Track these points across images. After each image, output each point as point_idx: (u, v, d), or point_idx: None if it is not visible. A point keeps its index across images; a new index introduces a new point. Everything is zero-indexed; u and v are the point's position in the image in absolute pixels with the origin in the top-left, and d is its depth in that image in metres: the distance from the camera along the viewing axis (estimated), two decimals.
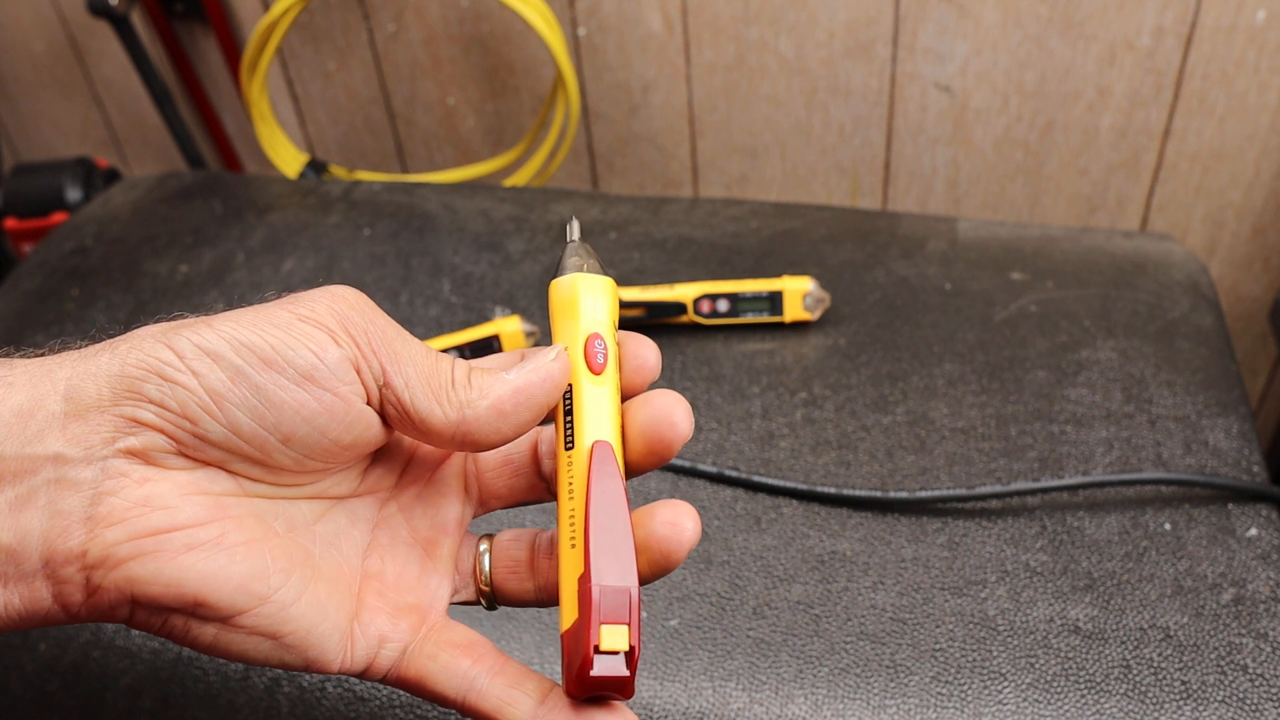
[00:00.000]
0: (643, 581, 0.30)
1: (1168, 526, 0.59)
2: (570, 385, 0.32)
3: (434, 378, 0.30)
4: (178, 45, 1.22)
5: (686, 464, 0.63)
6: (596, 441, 0.30)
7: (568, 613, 0.30)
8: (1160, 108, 0.98)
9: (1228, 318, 1.08)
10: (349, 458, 0.30)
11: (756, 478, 0.62)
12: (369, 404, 0.29)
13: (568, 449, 0.31)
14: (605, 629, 0.28)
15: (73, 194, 1.15)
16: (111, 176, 1.22)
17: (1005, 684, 0.53)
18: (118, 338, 0.28)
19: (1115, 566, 0.57)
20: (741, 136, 1.10)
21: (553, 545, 0.34)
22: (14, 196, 1.16)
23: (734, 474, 0.63)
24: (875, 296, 0.75)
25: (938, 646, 0.54)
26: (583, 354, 0.32)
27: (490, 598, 0.34)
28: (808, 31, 1.01)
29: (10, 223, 1.16)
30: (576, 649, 0.28)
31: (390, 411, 0.30)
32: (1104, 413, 0.65)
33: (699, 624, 0.56)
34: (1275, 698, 0.52)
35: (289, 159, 1.12)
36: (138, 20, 1.21)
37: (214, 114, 1.28)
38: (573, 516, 0.30)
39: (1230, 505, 0.60)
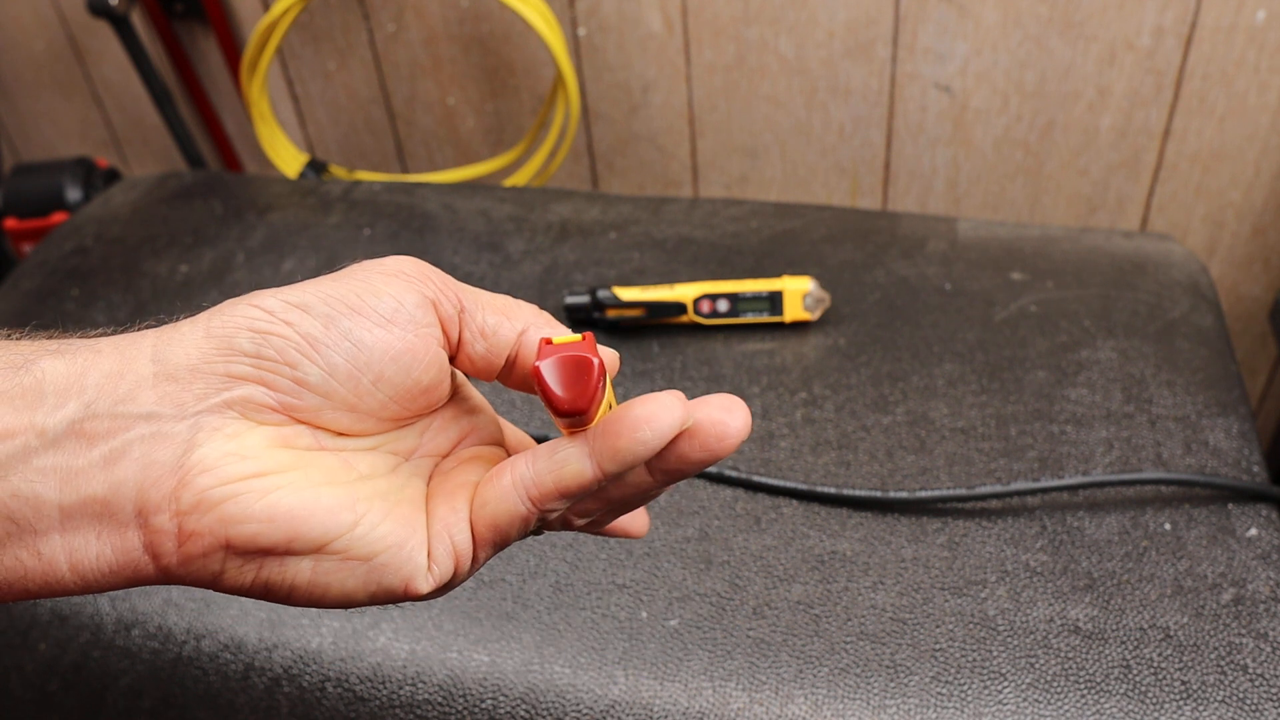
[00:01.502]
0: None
1: (1168, 526, 0.59)
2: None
3: (500, 300, 0.33)
4: (178, 45, 1.22)
5: None
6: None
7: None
8: (1160, 108, 0.98)
9: (1228, 318, 1.08)
10: (425, 403, 0.32)
11: (756, 478, 0.62)
12: (445, 347, 0.32)
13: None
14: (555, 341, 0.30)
15: (73, 194, 1.15)
16: (111, 176, 1.22)
17: (1005, 684, 0.53)
18: (204, 312, 0.30)
19: (1115, 566, 0.57)
20: (741, 136, 1.10)
21: None
22: (14, 196, 1.16)
23: (734, 474, 0.63)
24: (875, 296, 0.75)
25: (938, 646, 0.54)
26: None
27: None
28: (808, 31, 1.01)
29: (10, 223, 1.16)
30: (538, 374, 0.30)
31: (466, 337, 0.32)
32: (1104, 413, 0.65)
33: (699, 624, 0.56)
34: (1275, 698, 0.52)
35: (289, 159, 1.12)
36: (138, 20, 1.21)
37: (214, 114, 1.28)
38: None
39: (1230, 505, 0.60)
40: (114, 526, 0.27)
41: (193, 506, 0.27)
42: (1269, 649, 0.53)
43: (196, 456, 0.27)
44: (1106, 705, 0.52)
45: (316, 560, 0.29)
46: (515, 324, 0.33)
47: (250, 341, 0.28)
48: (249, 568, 0.28)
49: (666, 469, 0.30)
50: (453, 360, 0.33)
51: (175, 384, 0.28)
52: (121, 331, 0.30)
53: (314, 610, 0.59)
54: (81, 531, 0.27)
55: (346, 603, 0.30)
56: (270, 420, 0.29)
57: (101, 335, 0.30)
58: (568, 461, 0.29)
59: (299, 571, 0.29)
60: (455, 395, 0.35)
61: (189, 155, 1.23)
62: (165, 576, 0.28)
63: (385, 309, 0.30)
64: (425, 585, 0.30)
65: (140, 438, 0.27)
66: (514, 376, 0.34)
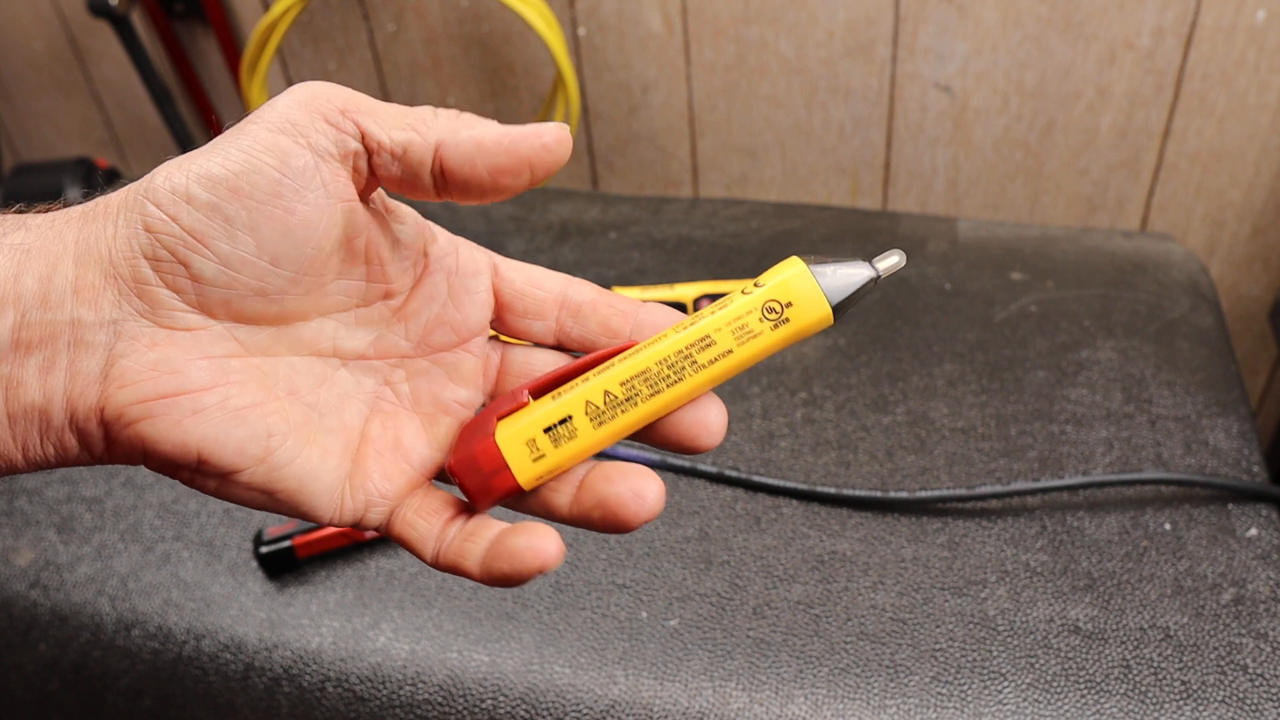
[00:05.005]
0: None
1: (1168, 526, 0.59)
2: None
3: (412, 114, 0.31)
4: (178, 45, 1.22)
5: (687, 464, 0.63)
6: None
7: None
8: (1160, 108, 0.98)
9: (1228, 318, 1.08)
10: (347, 259, 0.31)
11: (756, 478, 0.62)
12: (347, 198, 0.30)
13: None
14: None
15: (73, 194, 1.15)
16: (111, 176, 1.22)
17: (1005, 684, 0.53)
18: (117, 191, 0.30)
19: (1115, 566, 0.57)
20: (741, 136, 1.10)
21: None
22: (14, 196, 1.16)
23: (734, 474, 0.63)
24: (875, 296, 0.75)
25: (938, 646, 0.54)
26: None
27: None
28: (808, 31, 1.01)
29: None
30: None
31: (378, 163, 0.30)
32: (1104, 413, 0.65)
33: (699, 624, 0.56)
34: (1275, 698, 0.52)
35: None
36: (138, 20, 1.21)
37: (214, 114, 1.28)
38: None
39: (1230, 505, 0.60)
40: (53, 429, 0.29)
41: (114, 419, 0.28)
42: (1269, 649, 0.53)
43: (117, 370, 0.28)
44: (1106, 705, 0.52)
45: (220, 483, 0.30)
46: (428, 137, 0.30)
47: (147, 242, 0.28)
48: (165, 469, 0.30)
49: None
50: (372, 189, 0.32)
51: (93, 289, 0.29)
52: (51, 208, 0.30)
53: (314, 610, 0.59)
54: (29, 432, 0.29)
55: (252, 508, 0.31)
56: (187, 323, 0.29)
57: (38, 212, 0.30)
58: (464, 556, 0.31)
59: (205, 484, 0.30)
60: (400, 247, 0.33)
61: None
62: (103, 462, 0.30)
63: (265, 184, 0.29)
64: (324, 519, 0.32)
65: (66, 345, 0.28)
66: (450, 188, 0.32)
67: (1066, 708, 0.52)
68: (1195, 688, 0.52)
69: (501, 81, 1.14)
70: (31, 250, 0.29)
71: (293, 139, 0.29)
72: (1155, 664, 0.53)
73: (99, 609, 0.60)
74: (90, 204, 0.30)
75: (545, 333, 0.34)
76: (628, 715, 0.53)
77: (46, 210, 0.30)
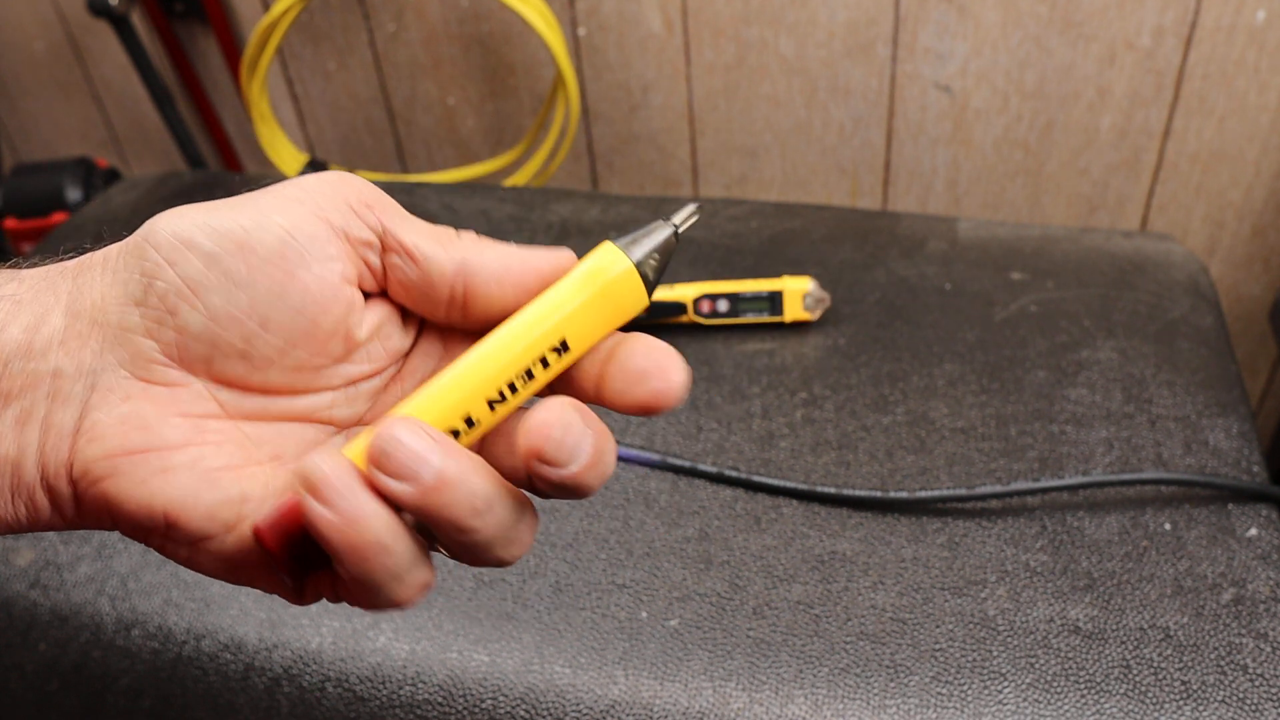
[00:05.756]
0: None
1: (1168, 526, 0.59)
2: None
3: (438, 230, 0.30)
4: (178, 45, 1.22)
5: (687, 464, 0.63)
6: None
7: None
8: (1160, 108, 0.98)
9: (1228, 318, 1.08)
10: (340, 348, 0.29)
11: (756, 478, 0.62)
12: (353, 282, 0.29)
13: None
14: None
15: (73, 194, 1.15)
16: (111, 176, 1.22)
17: (1005, 684, 0.53)
18: (118, 243, 0.28)
19: (1115, 566, 0.57)
20: (741, 136, 1.10)
21: None
22: (14, 196, 1.16)
23: (734, 474, 0.63)
24: (875, 296, 0.75)
25: (938, 646, 0.54)
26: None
27: None
28: (808, 31, 1.01)
29: (10, 223, 1.16)
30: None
31: (392, 262, 0.29)
32: (1104, 413, 0.65)
33: (699, 624, 0.56)
34: (1275, 698, 0.52)
35: (289, 159, 1.12)
36: (138, 20, 1.21)
37: (214, 114, 1.28)
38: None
39: (1230, 505, 0.60)
40: (24, 485, 0.27)
41: (81, 475, 0.27)
42: (1269, 649, 0.53)
43: (89, 422, 0.27)
44: (1106, 705, 0.52)
45: (191, 552, 0.28)
46: (452, 253, 0.29)
47: (139, 286, 0.27)
48: (138, 534, 0.28)
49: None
50: (385, 294, 0.30)
51: (79, 339, 0.27)
52: (52, 261, 0.29)
53: (314, 610, 0.59)
54: (0, 487, 0.27)
55: (235, 582, 0.29)
56: (166, 377, 0.28)
57: (34, 266, 0.29)
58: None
59: (177, 552, 0.28)
60: (414, 347, 0.31)
61: (189, 155, 1.23)
62: (75, 526, 0.28)
63: (271, 242, 0.27)
64: (309, 602, 0.29)
65: (46, 395, 0.27)
66: (469, 309, 0.29)
67: (1066, 708, 0.52)
68: (1195, 688, 0.52)
69: (501, 81, 1.14)
70: (22, 302, 0.28)
71: (309, 209, 0.28)
72: (1155, 664, 0.53)
73: (99, 609, 0.60)
74: (87, 255, 0.29)
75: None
76: (628, 715, 0.53)
77: (41, 264, 0.29)
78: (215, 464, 0.28)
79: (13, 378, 0.27)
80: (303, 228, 0.28)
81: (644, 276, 0.30)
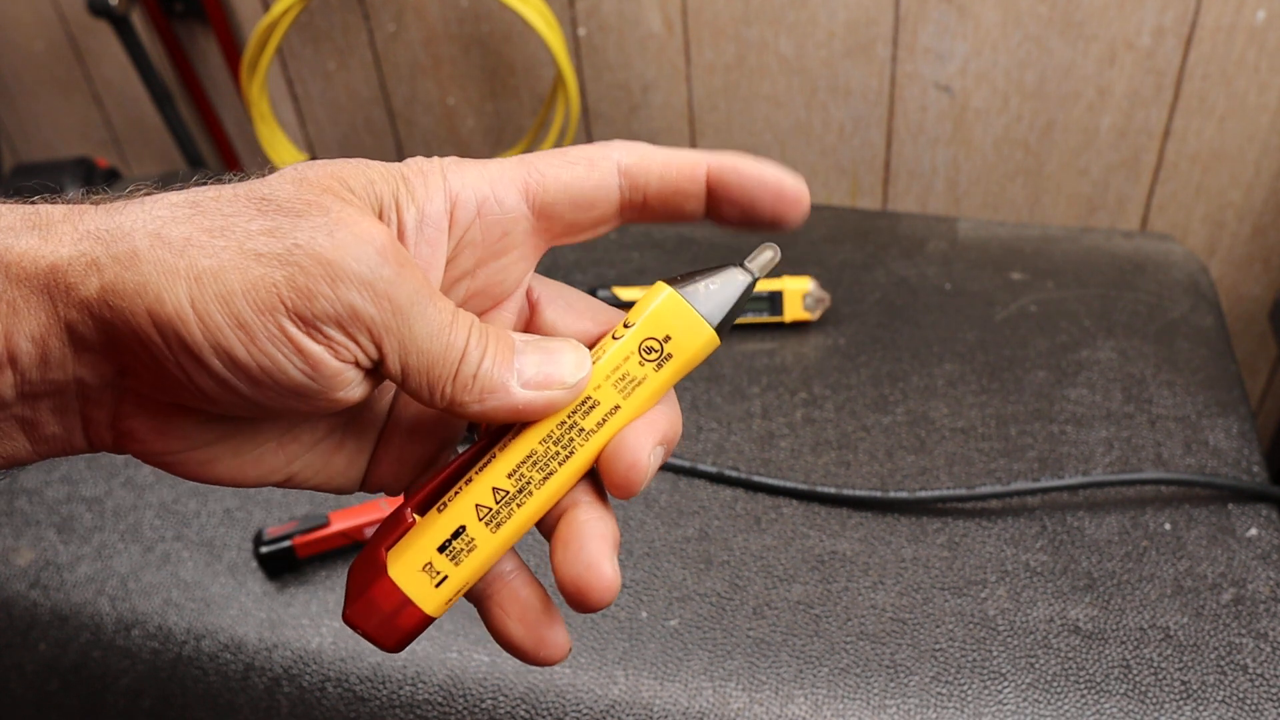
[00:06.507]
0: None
1: (1168, 526, 0.59)
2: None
3: (436, 368, 0.27)
4: (178, 45, 1.22)
5: (686, 464, 0.63)
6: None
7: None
8: (1160, 108, 0.98)
9: (1228, 318, 1.08)
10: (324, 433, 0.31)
11: (756, 478, 0.62)
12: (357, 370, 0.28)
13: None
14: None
15: (73, 194, 1.15)
16: (111, 176, 1.21)
17: (1005, 684, 0.53)
18: (108, 292, 0.25)
19: (1115, 566, 0.57)
20: (741, 136, 1.10)
21: None
22: (14, 196, 1.16)
23: (734, 474, 0.63)
24: (875, 296, 0.75)
25: (938, 646, 0.54)
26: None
27: None
28: (808, 31, 1.01)
29: None
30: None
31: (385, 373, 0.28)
32: (1104, 413, 0.65)
33: (699, 624, 0.56)
34: (1275, 698, 0.52)
35: (289, 159, 1.12)
36: (138, 20, 1.21)
37: (214, 114, 1.28)
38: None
39: (1230, 505, 0.60)
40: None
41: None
42: (1269, 649, 0.53)
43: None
44: (1106, 705, 0.52)
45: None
46: (436, 401, 0.27)
47: (136, 359, 0.26)
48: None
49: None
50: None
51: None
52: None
53: (314, 610, 0.59)
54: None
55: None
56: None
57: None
58: None
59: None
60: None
61: (189, 155, 1.23)
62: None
63: (288, 384, 0.26)
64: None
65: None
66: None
67: (1066, 708, 0.52)
68: (1195, 688, 0.52)
69: (501, 81, 1.14)
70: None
71: (328, 347, 0.26)
72: (1155, 664, 0.53)
73: (99, 609, 0.60)
74: (80, 282, 0.26)
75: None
76: (628, 715, 0.53)
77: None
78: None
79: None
80: (323, 366, 0.26)
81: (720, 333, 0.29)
